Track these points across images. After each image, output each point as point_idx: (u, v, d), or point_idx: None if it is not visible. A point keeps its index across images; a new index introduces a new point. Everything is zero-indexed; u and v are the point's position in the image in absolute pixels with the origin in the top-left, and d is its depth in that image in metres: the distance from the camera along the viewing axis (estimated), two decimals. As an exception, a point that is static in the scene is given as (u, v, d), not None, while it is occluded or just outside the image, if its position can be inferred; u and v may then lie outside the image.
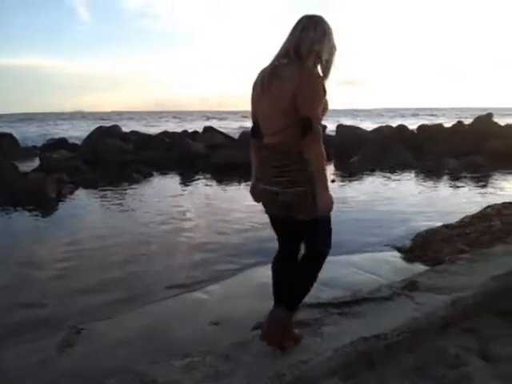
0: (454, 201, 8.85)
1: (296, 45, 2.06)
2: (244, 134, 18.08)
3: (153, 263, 5.38)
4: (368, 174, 12.84)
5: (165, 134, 18.26)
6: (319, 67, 2.13)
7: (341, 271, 4.68)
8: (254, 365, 2.25)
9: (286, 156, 2.07)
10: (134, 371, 2.33)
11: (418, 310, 2.65)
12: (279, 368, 2.19)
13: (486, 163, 13.81)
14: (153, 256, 5.65)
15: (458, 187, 10.64)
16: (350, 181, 11.87)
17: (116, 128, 17.63)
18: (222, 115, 76.09)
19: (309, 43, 2.05)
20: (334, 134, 18.54)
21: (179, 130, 20.81)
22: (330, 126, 20.78)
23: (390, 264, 5.01)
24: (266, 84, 2.09)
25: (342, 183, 11.46)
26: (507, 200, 7.96)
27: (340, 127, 18.50)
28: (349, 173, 13.24)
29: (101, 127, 17.48)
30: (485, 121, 17.36)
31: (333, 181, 11.19)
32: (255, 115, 2.24)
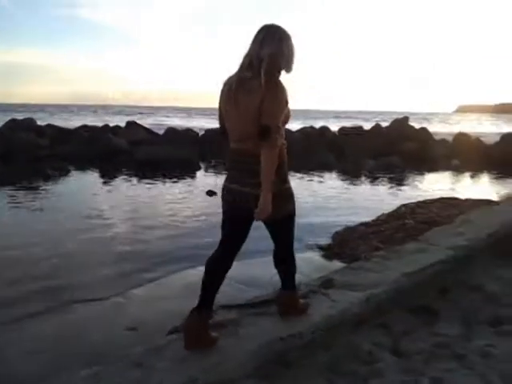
0: (372, 200, 9.26)
1: (258, 56, 2.20)
2: (169, 131, 17.76)
3: (68, 271, 5.03)
4: (291, 175, 13.10)
5: (84, 127, 17.43)
6: (282, 74, 2.28)
7: (261, 271, 4.68)
8: (168, 371, 2.15)
9: (252, 160, 2.20)
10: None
11: (334, 307, 2.68)
12: (193, 373, 2.11)
13: (401, 164, 14.63)
14: (67, 263, 5.28)
15: (376, 187, 11.19)
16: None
17: (30, 121, 16.52)
18: (150, 110, 74.34)
19: (269, 54, 2.19)
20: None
21: (100, 124, 19.94)
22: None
23: (309, 262, 5.09)
24: (234, 95, 2.24)
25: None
26: (420, 199, 8.48)
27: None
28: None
29: (14, 120, 16.30)
30: (401, 124, 18.38)
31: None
32: (222, 119, 2.39)
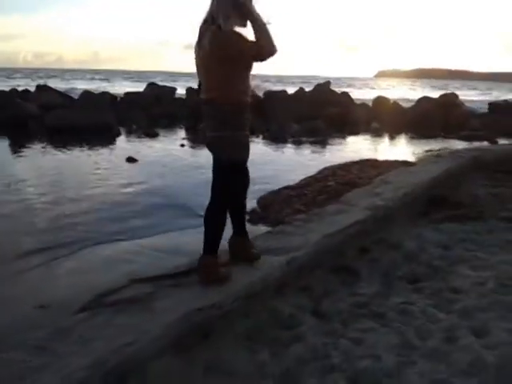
0: (295, 163, 9.29)
1: (211, 10, 2.34)
2: (84, 94, 16.67)
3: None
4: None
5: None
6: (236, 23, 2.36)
7: (183, 239, 4.54)
8: (73, 354, 1.95)
9: (214, 107, 2.39)
10: None
11: (255, 273, 2.59)
12: (102, 354, 1.93)
13: (324, 128, 14.86)
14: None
15: (300, 151, 11.26)
16: (198, 146, 11.76)
17: None
18: (65, 73, 69.61)
19: (221, 7, 2.30)
20: (183, 97, 18.16)
21: (7, 88, 18.26)
22: (180, 90, 20.31)
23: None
24: (196, 48, 2.41)
25: (192, 146, 11.27)
26: (342, 161, 8.65)
27: (190, 90, 18.14)
28: (198, 138, 13.10)
29: None
30: (323, 88, 18.61)
31: (182, 145, 10.92)
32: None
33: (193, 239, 4.55)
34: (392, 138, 14.68)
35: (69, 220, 5.38)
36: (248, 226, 5.06)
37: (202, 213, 2.63)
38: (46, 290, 3.62)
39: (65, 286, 3.71)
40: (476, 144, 12.01)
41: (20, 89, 17.50)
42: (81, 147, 10.61)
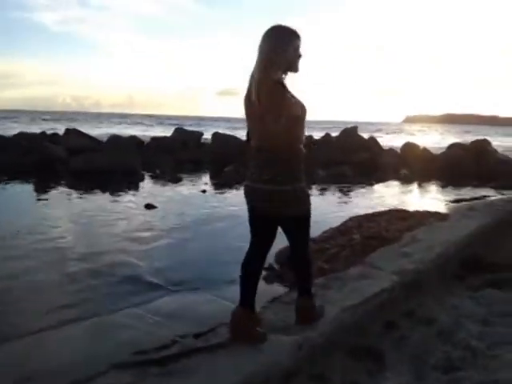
0: (320, 212, 8.88)
1: (263, 59, 2.33)
2: (112, 138, 16.90)
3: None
4: (240, 184, 12.61)
5: (21, 135, 16.25)
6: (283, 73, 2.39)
7: (190, 303, 4.19)
8: None
9: (272, 157, 2.41)
10: None
11: (258, 360, 2.20)
12: None
13: (351, 174, 14.49)
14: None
15: (325, 197, 10.87)
16: (224, 190, 11.52)
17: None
18: (100, 117, 72.19)
19: (268, 55, 2.31)
20: (208, 142, 18.20)
21: (39, 130, 18.72)
22: (206, 133, 20.46)
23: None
24: (249, 97, 2.39)
25: (216, 192, 11.05)
26: (370, 210, 8.21)
27: (216, 135, 18.19)
28: (222, 183, 12.91)
29: None
30: (350, 133, 18.36)
31: (203, 191, 10.71)
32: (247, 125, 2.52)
33: (198, 300, 4.22)
34: (422, 185, 14.14)
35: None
36: (262, 285, 4.74)
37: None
38: (33, 361, 3.23)
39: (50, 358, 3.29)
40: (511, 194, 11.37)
41: (51, 132, 17.86)
42: (103, 192, 10.53)
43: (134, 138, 17.52)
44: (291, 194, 2.41)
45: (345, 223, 7.28)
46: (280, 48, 2.32)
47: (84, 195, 10.12)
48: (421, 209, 8.98)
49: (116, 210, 8.40)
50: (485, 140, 18.56)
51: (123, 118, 76.25)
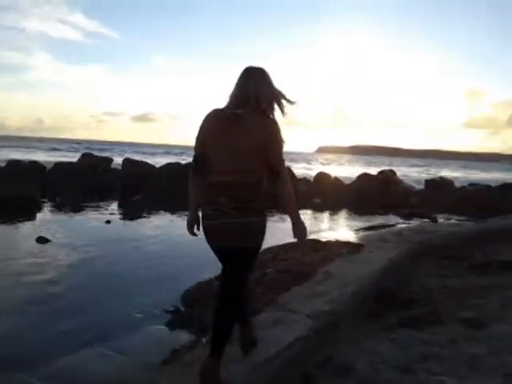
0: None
1: (255, 95, 2.32)
2: (11, 164, 15.44)
3: None
4: (149, 214, 11.91)
5: None
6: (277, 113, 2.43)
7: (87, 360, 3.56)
8: None
9: (253, 190, 2.33)
10: None
11: None
12: None
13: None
14: None
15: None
16: (131, 220, 10.78)
17: None
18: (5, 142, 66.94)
19: (267, 94, 2.37)
20: (118, 167, 17.30)
21: None
22: (117, 159, 19.50)
23: (147, 335, 4.08)
24: (232, 130, 2.29)
25: (121, 223, 10.27)
26: (285, 241, 7.99)
27: (126, 161, 17.35)
28: (132, 211, 12.14)
29: None
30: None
31: (107, 221, 9.89)
32: (203, 154, 2.39)
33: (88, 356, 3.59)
34: (333, 214, 14.42)
35: None
36: (166, 333, 4.24)
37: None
38: None
39: None
40: (416, 222, 11.88)
41: None
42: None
43: (35, 164, 16.12)
44: (261, 225, 2.40)
45: (262, 254, 6.98)
46: (274, 89, 2.42)
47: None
48: (334, 238, 8.99)
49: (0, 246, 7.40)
50: (390, 171, 19.59)
51: (30, 141, 71.00)
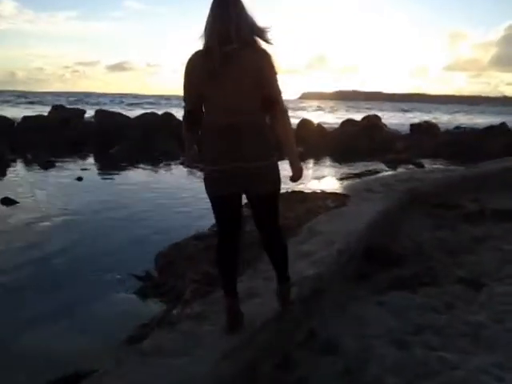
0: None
1: (236, 28, 2.08)
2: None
3: None
4: (127, 167, 11.35)
5: None
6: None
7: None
8: None
9: (257, 130, 2.16)
10: None
11: None
12: None
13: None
14: None
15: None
16: (106, 176, 10.22)
17: None
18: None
19: (248, 24, 2.13)
20: (92, 120, 16.48)
21: None
22: (90, 111, 18.59)
23: (113, 305, 3.71)
24: (222, 69, 2.09)
25: (95, 179, 9.72)
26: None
27: (99, 113, 16.50)
28: (108, 165, 11.56)
29: None
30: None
31: (79, 178, 9.32)
32: (197, 97, 2.20)
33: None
34: (317, 162, 14.00)
35: None
36: (135, 301, 3.87)
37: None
38: None
39: None
40: (402, 169, 11.55)
41: None
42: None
43: (3, 119, 15.20)
44: (275, 168, 2.26)
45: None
46: (249, 14, 2.16)
47: None
48: (318, 189, 8.63)
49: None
50: (374, 116, 19.06)
51: (3, 95, 67.93)
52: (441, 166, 11.78)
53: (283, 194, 7.42)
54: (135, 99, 67.38)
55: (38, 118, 15.87)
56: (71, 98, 57.32)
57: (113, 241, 5.42)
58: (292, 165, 2.31)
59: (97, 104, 40.48)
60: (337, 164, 13.52)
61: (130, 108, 38.17)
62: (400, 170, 11.61)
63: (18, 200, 7.20)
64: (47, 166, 10.82)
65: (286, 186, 9.07)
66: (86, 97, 69.12)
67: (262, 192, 2.23)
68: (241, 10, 2.14)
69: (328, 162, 14.14)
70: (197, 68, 2.15)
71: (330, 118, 33.19)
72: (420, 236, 4.71)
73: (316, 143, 16.04)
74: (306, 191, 7.96)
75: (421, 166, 12.08)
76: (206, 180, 2.23)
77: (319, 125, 17.95)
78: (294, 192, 7.78)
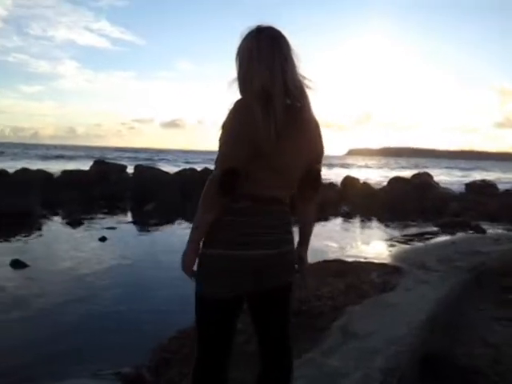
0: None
1: (293, 78, 1.60)
2: (18, 173, 14.58)
3: None
4: (159, 226, 10.70)
5: None
6: None
7: None
8: None
9: (287, 210, 1.73)
10: None
11: None
12: None
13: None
14: None
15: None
16: (132, 236, 9.59)
17: None
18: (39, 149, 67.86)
19: (299, 77, 1.63)
20: (131, 175, 16.29)
21: None
22: (131, 167, 18.52)
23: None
24: (294, 130, 1.59)
25: (119, 240, 9.09)
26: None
27: (138, 168, 16.30)
28: (139, 223, 10.98)
29: None
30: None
31: (102, 238, 8.70)
32: (247, 155, 1.54)
33: None
34: (363, 223, 12.88)
35: None
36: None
37: None
38: None
39: None
40: (461, 235, 10.25)
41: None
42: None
43: (40, 173, 15.23)
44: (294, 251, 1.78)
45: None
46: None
47: None
48: (363, 256, 7.58)
49: None
50: (426, 173, 17.86)
51: (62, 150, 71.52)
52: (505, 232, 10.41)
53: (313, 264, 6.44)
54: (185, 155, 69.04)
55: (76, 173, 15.80)
56: (125, 154, 59.36)
57: (119, 320, 4.59)
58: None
59: (150, 159, 41.41)
60: (384, 226, 12.35)
61: (181, 163, 38.78)
62: (458, 235, 10.30)
63: (28, 263, 6.58)
64: (75, 223, 10.34)
65: (324, 248, 7.98)
66: (137, 152, 71.57)
67: (277, 284, 1.68)
68: (291, 58, 1.63)
69: (374, 223, 12.99)
70: (258, 119, 1.51)
71: (376, 174, 31.99)
72: (494, 335, 3.58)
73: (361, 202, 15.01)
74: (347, 260, 6.94)
75: (481, 230, 10.72)
76: (208, 272, 1.61)
77: (365, 182, 16.94)
78: (329, 262, 6.76)
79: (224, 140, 1.56)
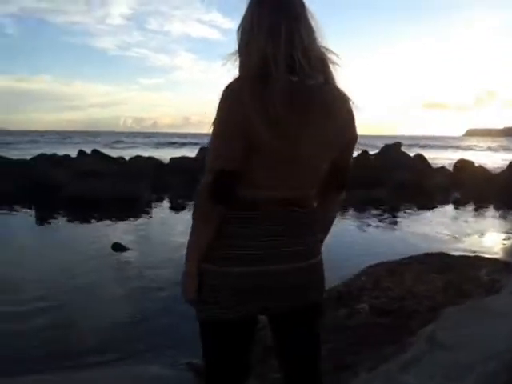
0: (336, 252, 6.75)
1: (303, 45, 1.26)
2: (130, 161, 15.69)
3: None
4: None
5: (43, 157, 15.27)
6: None
7: None
8: None
9: (310, 216, 1.40)
10: None
11: None
12: None
13: (389, 198, 12.34)
14: None
15: (345, 230, 8.63)
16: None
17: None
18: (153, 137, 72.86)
19: (317, 47, 1.31)
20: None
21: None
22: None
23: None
24: (290, 116, 1.22)
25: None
26: (400, 253, 6.16)
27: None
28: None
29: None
30: (392, 151, 16.18)
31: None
32: (241, 152, 1.23)
33: None
34: (477, 211, 11.74)
35: None
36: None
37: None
38: None
39: None
40: None
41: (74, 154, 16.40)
42: (91, 220, 9.14)
43: (151, 160, 16.21)
44: (321, 268, 1.41)
45: (356, 278, 5.29)
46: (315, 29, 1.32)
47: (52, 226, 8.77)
48: (471, 250, 6.88)
49: (78, 250, 6.93)
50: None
51: (178, 137, 75.97)
52: None
53: (418, 256, 5.93)
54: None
55: (183, 160, 16.54)
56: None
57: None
58: None
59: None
60: (501, 215, 11.14)
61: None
62: None
63: (128, 246, 7.00)
64: (178, 208, 10.85)
65: (427, 240, 7.38)
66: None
67: (298, 304, 1.37)
68: (309, 22, 1.31)
69: (491, 211, 11.79)
70: (248, 104, 1.21)
71: (496, 157, 29.10)
72: None
73: (477, 188, 13.72)
74: (453, 253, 6.31)
75: None
76: (209, 292, 1.31)
77: (481, 166, 15.45)
78: (433, 255, 6.19)
79: (213, 135, 1.26)
